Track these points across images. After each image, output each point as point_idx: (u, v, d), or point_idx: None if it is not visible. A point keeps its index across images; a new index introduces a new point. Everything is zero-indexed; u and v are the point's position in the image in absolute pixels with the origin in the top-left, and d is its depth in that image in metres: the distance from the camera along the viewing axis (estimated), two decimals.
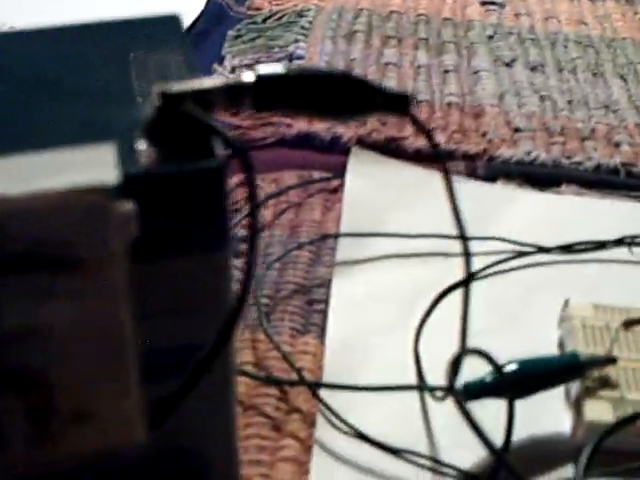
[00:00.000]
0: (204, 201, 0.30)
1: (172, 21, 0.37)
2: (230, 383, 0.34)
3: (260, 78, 0.32)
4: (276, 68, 0.32)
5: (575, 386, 0.49)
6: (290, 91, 0.32)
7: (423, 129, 0.36)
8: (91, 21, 0.38)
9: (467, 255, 0.40)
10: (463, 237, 0.39)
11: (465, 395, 0.47)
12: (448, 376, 0.47)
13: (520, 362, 0.48)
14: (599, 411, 0.47)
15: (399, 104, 0.35)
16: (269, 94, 0.32)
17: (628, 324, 0.52)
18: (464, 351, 0.46)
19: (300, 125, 0.73)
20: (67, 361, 0.30)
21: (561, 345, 0.53)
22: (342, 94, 0.33)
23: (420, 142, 0.71)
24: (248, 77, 0.32)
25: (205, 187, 0.30)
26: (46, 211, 0.28)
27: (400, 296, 0.57)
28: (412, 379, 0.50)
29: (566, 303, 0.54)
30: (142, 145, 0.30)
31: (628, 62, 0.86)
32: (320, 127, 0.72)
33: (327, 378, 0.51)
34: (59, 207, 0.28)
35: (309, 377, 0.51)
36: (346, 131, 0.72)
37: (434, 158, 0.37)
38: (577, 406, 0.48)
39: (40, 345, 0.30)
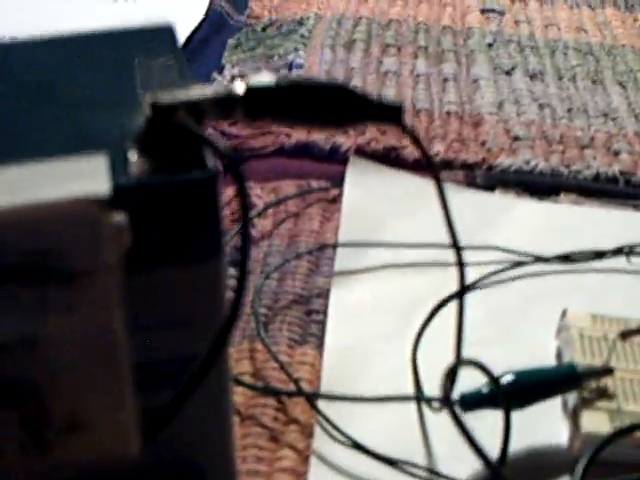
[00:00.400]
0: (196, 211, 0.30)
1: (166, 31, 0.37)
2: (226, 393, 0.34)
3: (251, 89, 0.32)
4: (267, 78, 0.32)
5: (572, 397, 0.49)
6: (281, 101, 0.32)
7: (415, 139, 0.36)
8: (87, 31, 0.38)
9: (461, 265, 0.40)
10: (457, 247, 0.39)
11: (461, 406, 0.47)
12: (444, 387, 0.47)
13: (517, 373, 0.48)
14: (596, 422, 0.47)
15: (392, 114, 0.35)
16: (260, 104, 0.32)
17: (626, 335, 0.52)
18: (459, 362, 0.46)
19: (299, 135, 0.73)
20: (61, 372, 0.30)
21: (559, 355, 0.53)
22: (334, 104, 0.33)
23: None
24: (239, 88, 0.32)
25: (197, 197, 0.30)
26: (38, 222, 0.28)
27: (398, 306, 0.57)
28: (410, 390, 0.50)
29: (564, 313, 0.54)
30: (133, 156, 0.30)
31: (628, 70, 0.86)
32: (319, 137, 0.72)
33: (325, 389, 0.51)
34: (51, 218, 0.28)
35: (307, 388, 0.51)
36: (345, 141, 0.72)
37: (428, 167, 0.37)
38: (574, 417, 0.48)
39: (34, 356, 0.29)
